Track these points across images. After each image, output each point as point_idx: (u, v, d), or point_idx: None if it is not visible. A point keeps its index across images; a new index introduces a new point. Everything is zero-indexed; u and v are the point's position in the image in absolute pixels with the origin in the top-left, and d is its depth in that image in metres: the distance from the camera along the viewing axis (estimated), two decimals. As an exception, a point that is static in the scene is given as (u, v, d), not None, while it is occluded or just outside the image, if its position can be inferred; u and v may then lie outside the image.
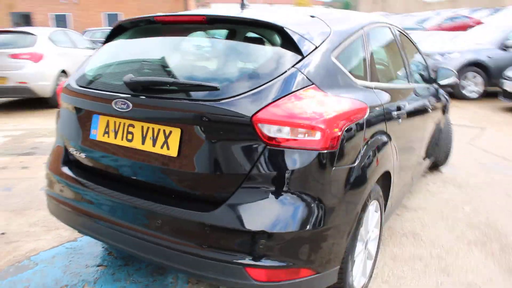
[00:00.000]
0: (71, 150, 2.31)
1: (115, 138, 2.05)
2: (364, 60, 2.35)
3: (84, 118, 2.20)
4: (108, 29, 18.57)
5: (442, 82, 3.85)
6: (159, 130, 1.91)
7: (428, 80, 3.83)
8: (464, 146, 5.58)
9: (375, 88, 2.32)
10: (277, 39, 1.98)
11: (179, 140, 1.86)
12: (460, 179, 4.36)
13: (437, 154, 4.40)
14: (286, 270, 1.78)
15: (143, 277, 2.53)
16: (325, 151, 1.79)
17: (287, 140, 1.74)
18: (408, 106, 2.76)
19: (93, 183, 2.13)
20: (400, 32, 3.37)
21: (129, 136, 2.00)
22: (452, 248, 2.96)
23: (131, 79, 1.94)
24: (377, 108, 2.21)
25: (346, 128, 1.87)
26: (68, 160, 2.34)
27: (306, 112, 1.76)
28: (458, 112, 7.67)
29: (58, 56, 8.27)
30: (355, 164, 1.95)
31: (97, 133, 2.13)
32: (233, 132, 1.77)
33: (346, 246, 1.97)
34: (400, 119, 2.53)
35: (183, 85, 1.89)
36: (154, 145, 1.92)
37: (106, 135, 2.09)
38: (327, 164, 1.80)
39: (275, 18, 2.07)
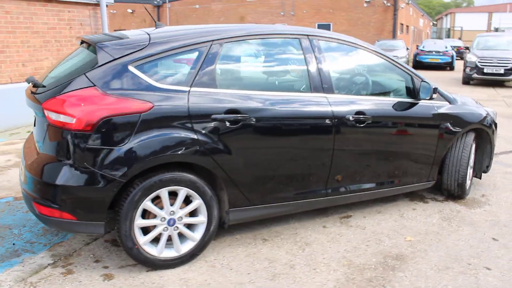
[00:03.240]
0: None
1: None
2: (191, 68, 2.70)
3: None
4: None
5: (421, 97, 3.44)
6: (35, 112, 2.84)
7: (413, 95, 3.50)
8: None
9: (191, 92, 2.63)
10: (94, 53, 2.64)
11: (34, 119, 2.77)
12: (464, 214, 3.66)
13: (446, 181, 3.82)
14: (53, 210, 2.48)
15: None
16: (80, 133, 2.42)
17: (57, 121, 2.45)
18: (273, 113, 2.83)
19: None
20: (344, 43, 3.31)
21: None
22: (319, 264, 2.82)
23: (26, 79, 2.95)
24: (174, 108, 2.56)
25: (108, 119, 2.42)
26: None
27: (71, 103, 2.42)
28: None
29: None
30: (116, 147, 2.45)
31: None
32: (41, 113, 2.57)
33: (106, 210, 2.51)
34: (239, 123, 2.71)
35: (36, 83, 2.76)
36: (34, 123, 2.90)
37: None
38: (82, 142, 2.43)
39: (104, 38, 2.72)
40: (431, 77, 16.44)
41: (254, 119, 2.76)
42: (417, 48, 21.15)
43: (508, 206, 3.83)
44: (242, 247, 3.05)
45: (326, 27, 28.74)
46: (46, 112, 2.50)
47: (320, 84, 3.05)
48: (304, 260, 2.88)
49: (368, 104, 3.24)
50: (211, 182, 2.80)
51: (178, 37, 2.76)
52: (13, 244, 3.11)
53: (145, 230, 2.69)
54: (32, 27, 7.33)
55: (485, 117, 3.97)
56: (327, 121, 3.02)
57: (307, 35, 3.10)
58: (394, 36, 24.02)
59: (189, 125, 2.60)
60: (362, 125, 3.16)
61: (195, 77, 2.68)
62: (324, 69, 3.08)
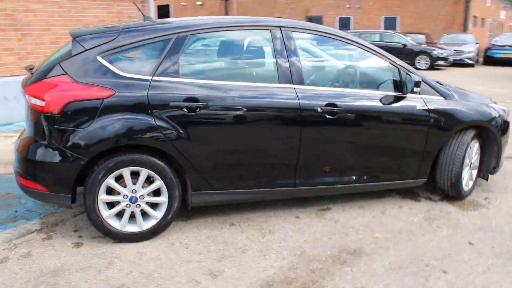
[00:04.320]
0: None
1: None
2: (155, 59, 2.87)
3: None
4: (382, 32, 19.50)
5: (407, 90, 3.32)
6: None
7: (399, 88, 3.40)
8: None
9: (153, 81, 2.81)
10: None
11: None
12: (452, 216, 3.47)
13: (439, 180, 3.65)
14: (30, 182, 2.85)
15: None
16: (49, 114, 2.72)
17: (35, 104, 2.77)
18: (233, 102, 2.92)
19: None
20: (324, 35, 3.30)
21: None
22: (270, 252, 2.87)
23: (25, 67, 3.31)
24: (135, 95, 2.76)
25: (73, 103, 2.69)
26: None
27: (43, 89, 2.72)
28: None
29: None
30: (80, 129, 2.71)
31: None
32: (25, 98, 2.92)
33: (73, 185, 2.80)
34: (197, 111, 2.85)
35: (31, 70, 3.08)
36: None
37: None
38: (50, 123, 2.73)
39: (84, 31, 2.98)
40: (498, 73, 15.22)
41: (212, 108, 2.87)
42: (489, 43, 19.58)
43: (508, 212, 3.57)
44: (207, 229, 3.20)
45: (392, 20, 27.64)
46: (27, 96, 2.83)
47: (289, 75, 3.07)
48: (259, 246, 2.96)
49: (343, 96, 3.19)
50: (177, 165, 2.97)
51: (147, 30, 2.94)
52: (16, 211, 3.53)
53: (113, 206, 2.94)
54: (82, 20, 7.98)
55: (494, 116, 3.71)
56: (293, 112, 3.03)
57: (279, 27, 3.13)
58: (465, 29, 22.42)
59: (148, 111, 2.79)
60: (333, 117, 3.13)
61: (158, 67, 2.86)
62: (295, 61, 3.09)
